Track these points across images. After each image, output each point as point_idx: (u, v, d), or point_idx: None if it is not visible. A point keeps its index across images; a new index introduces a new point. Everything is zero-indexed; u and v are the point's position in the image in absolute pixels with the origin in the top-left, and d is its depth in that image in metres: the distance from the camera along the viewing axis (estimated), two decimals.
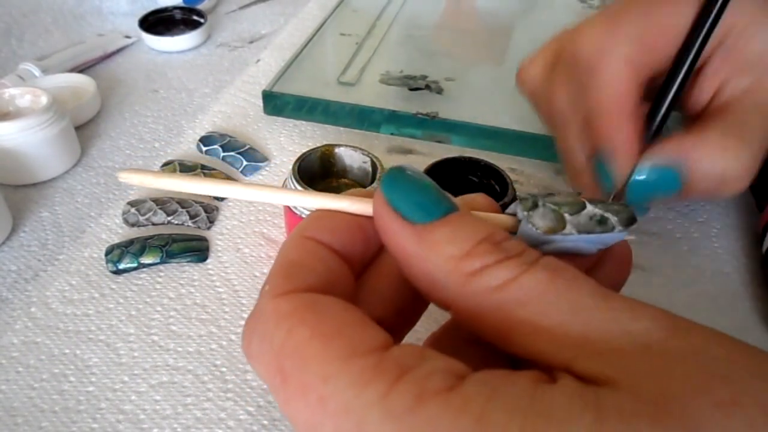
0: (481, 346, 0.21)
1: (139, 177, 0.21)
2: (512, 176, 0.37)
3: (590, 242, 0.20)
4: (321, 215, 0.20)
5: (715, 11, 0.30)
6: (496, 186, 0.36)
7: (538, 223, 0.19)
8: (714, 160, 0.31)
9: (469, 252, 0.17)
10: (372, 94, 0.49)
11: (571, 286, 0.16)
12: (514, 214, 0.20)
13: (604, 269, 0.21)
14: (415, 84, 0.50)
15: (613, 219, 0.20)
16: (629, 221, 0.20)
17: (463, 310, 0.17)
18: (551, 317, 0.16)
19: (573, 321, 0.15)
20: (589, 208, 0.20)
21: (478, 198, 0.21)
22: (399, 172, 0.19)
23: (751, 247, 0.39)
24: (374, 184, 0.34)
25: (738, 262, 0.38)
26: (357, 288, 0.20)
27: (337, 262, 0.19)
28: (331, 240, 0.19)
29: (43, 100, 0.43)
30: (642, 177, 0.31)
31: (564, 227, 0.19)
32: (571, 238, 0.20)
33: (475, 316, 0.17)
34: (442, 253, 0.17)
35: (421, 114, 0.46)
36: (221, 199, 0.41)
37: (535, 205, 0.20)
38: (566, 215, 0.19)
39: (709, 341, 0.15)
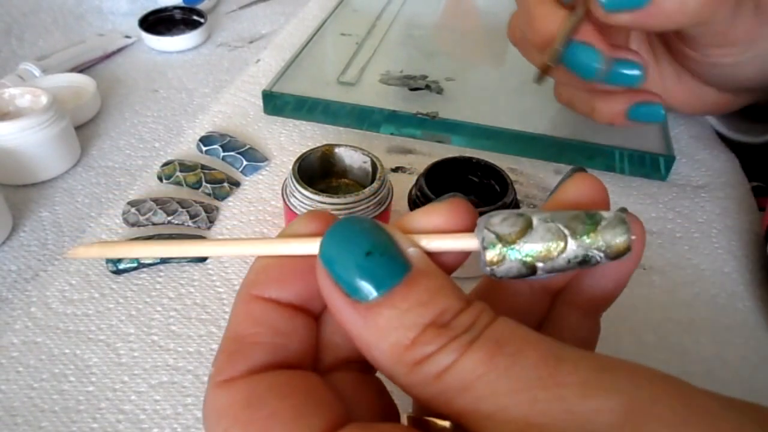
0: None
1: (85, 252, 0.19)
2: (512, 176, 0.37)
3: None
4: (266, 264, 0.18)
5: None
6: (496, 186, 0.36)
7: (500, 274, 0.17)
8: None
9: (414, 340, 0.15)
10: (372, 94, 0.49)
11: (514, 362, 0.15)
12: (481, 237, 0.18)
13: (603, 266, 0.20)
14: (415, 84, 0.50)
15: (599, 256, 0.17)
16: (621, 254, 0.17)
17: (413, 395, 0.16)
18: (491, 402, 0.15)
19: (515, 404, 0.14)
20: (570, 248, 0.17)
21: (444, 206, 0.18)
22: (339, 233, 0.17)
23: (751, 247, 0.39)
24: (374, 185, 0.34)
25: (738, 262, 0.38)
26: (320, 328, 0.19)
27: (288, 320, 0.18)
28: (280, 293, 0.18)
29: (43, 100, 0.43)
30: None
31: (534, 273, 0.17)
32: (542, 277, 0.18)
33: (426, 403, 0.16)
34: (387, 341, 0.16)
35: (421, 114, 0.46)
36: (222, 199, 0.41)
37: (502, 258, 0.17)
38: (538, 264, 0.17)
39: (667, 428, 0.13)
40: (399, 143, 0.47)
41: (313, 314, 0.19)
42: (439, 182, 0.36)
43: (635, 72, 0.34)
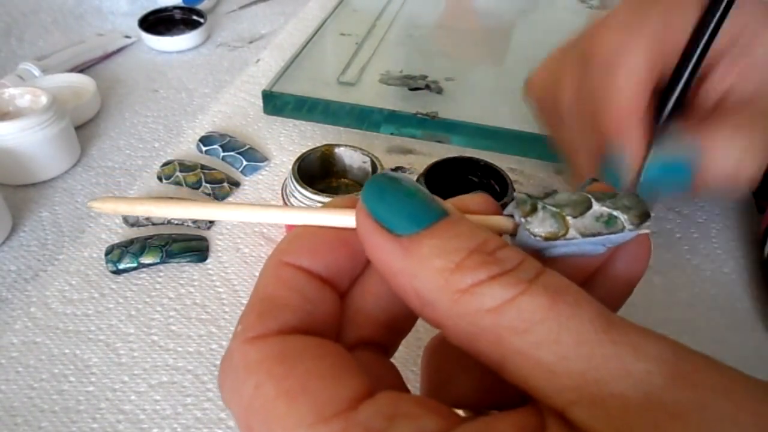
0: None
1: (111, 205, 0.19)
2: (512, 176, 0.37)
3: (596, 243, 0.18)
4: (300, 234, 0.19)
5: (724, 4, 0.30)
6: (496, 186, 0.36)
7: (536, 230, 0.18)
8: (727, 151, 0.30)
9: (459, 265, 0.15)
10: (372, 94, 0.49)
11: (574, 313, 0.14)
12: (512, 216, 0.19)
13: (616, 265, 0.20)
14: (415, 84, 0.50)
15: (622, 218, 0.18)
16: (642, 217, 0.18)
17: (453, 330, 0.16)
18: (551, 351, 0.14)
19: (574, 356, 0.14)
20: (596, 207, 0.18)
21: (476, 198, 0.19)
22: (381, 178, 0.17)
23: (750, 247, 0.39)
24: None
25: (737, 262, 0.38)
26: (344, 307, 0.19)
27: (317, 290, 0.18)
28: (311, 263, 0.18)
29: (43, 100, 0.43)
30: (654, 171, 0.31)
31: (566, 232, 0.18)
32: (574, 242, 0.18)
33: (467, 339, 0.16)
34: (430, 267, 0.15)
35: (421, 114, 0.46)
36: (222, 199, 0.41)
37: (534, 209, 0.18)
38: (569, 218, 0.18)
39: (716, 393, 0.13)
40: (399, 143, 0.47)
41: (339, 290, 0.19)
42: (439, 182, 0.36)
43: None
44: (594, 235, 0.18)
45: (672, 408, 0.13)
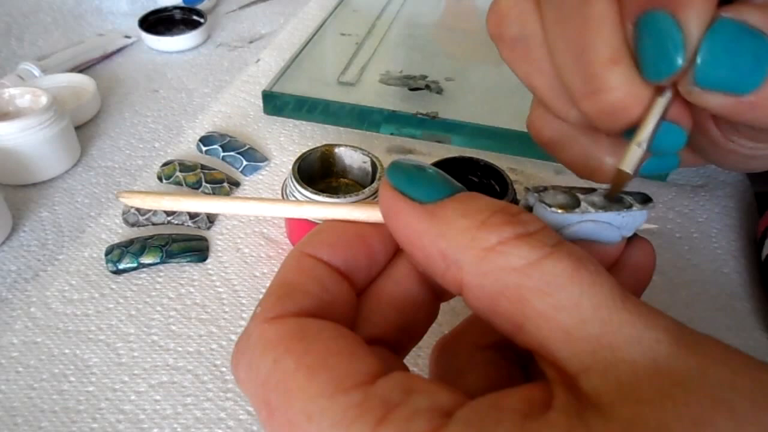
0: (490, 352, 0.20)
1: (139, 200, 0.21)
2: (512, 176, 0.37)
3: (611, 226, 0.19)
4: (322, 229, 0.19)
5: None
6: (496, 186, 0.36)
7: (550, 201, 0.18)
8: None
9: (484, 222, 0.16)
10: (372, 94, 0.49)
11: (595, 281, 0.15)
12: (523, 205, 0.19)
13: (624, 272, 0.21)
14: (415, 84, 0.50)
15: (628, 199, 0.19)
16: (645, 199, 0.19)
17: (476, 290, 0.16)
18: (571, 314, 0.15)
19: (592, 320, 0.15)
20: (600, 190, 0.19)
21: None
22: (403, 161, 0.18)
23: (750, 248, 0.39)
24: (374, 184, 0.34)
25: (737, 262, 0.38)
26: (359, 305, 0.19)
27: (335, 281, 0.18)
28: (331, 256, 0.19)
29: (43, 100, 0.43)
30: (725, 34, 0.18)
31: (578, 205, 0.18)
32: (589, 216, 0.18)
33: (488, 299, 0.16)
34: (456, 226, 0.16)
35: (421, 114, 0.46)
36: None
37: (545, 188, 0.19)
38: (579, 194, 0.19)
39: (716, 361, 0.14)
40: (399, 143, 0.47)
41: (356, 287, 0.19)
42: None
43: (680, 140, 0.21)
44: (605, 209, 0.18)
45: (675, 374, 0.14)
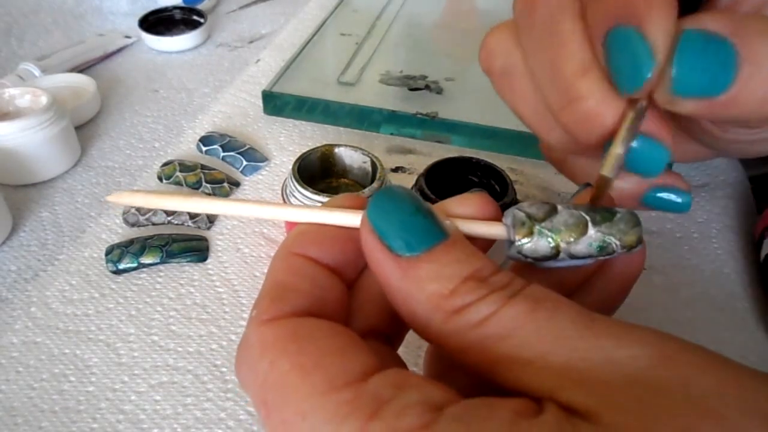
0: None
1: (128, 199, 0.20)
2: (512, 176, 0.37)
3: (586, 260, 0.19)
4: (307, 228, 0.19)
5: None
6: (496, 186, 0.36)
7: (528, 252, 0.19)
8: None
9: (453, 291, 0.16)
10: (372, 94, 0.49)
11: (553, 315, 0.16)
12: (509, 225, 0.19)
13: (613, 267, 0.21)
14: (415, 84, 0.50)
15: (615, 244, 0.19)
16: (634, 244, 0.19)
17: (445, 345, 0.17)
18: (532, 349, 0.15)
19: (555, 351, 0.15)
20: (591, 232, 0.19)
21: (475, 198, 0.20)
22: (388, 195, 0.18)
23: (750, 248, 0.39)
24: (374, 185, 0.34)
25: (737, 262, 0.38)
26: (351, 297, 0.20)
27: (326, 278, 0.19)
28: (319, 254, 0.19)
29: (43, 100, 0.43)
30: (694, 45, 0.19)
31: (557, 256, 0.19)
32: (562, 264, 0.19)
33: (458, 352, 0.17)
34: (426, 290, 0.17)
35: (421, 114, 0.46)
36: None
37: (530, 233, 0.19)
38: (562, 244, 0.19)
39: (699, 370, 0.14)
40: (399, 143, 0.47)
41: (346, 281, 0.20)
42: (439, 182, 0.36)
43: (662, 156, 0.22)
44: (584, 258, 0.19)
45: (656, 384, 0.14)
